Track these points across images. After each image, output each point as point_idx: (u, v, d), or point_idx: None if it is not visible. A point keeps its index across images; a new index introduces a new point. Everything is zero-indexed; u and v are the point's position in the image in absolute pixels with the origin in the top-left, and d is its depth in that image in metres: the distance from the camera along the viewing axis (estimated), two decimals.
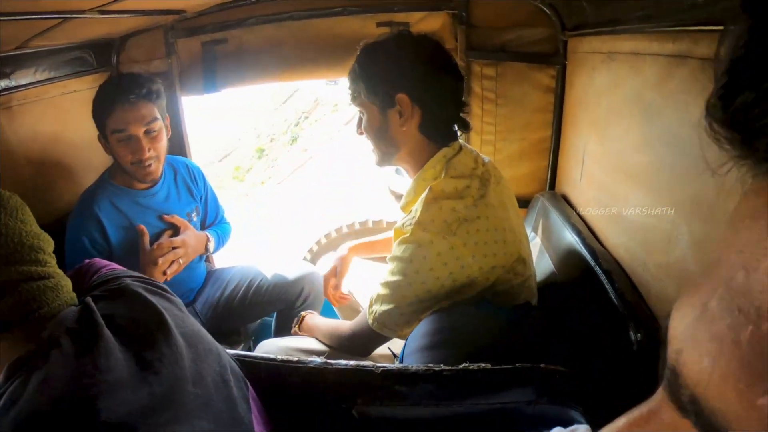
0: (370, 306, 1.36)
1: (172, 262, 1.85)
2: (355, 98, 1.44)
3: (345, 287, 2.07)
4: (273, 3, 2.10)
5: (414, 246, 1.26)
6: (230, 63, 2.25)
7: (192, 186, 2.11)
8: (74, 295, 0.95)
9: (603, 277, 1.30)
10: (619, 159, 1.44)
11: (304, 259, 2.88)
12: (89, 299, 0.93)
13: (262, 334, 2.38)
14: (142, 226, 1.83)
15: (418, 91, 1.34)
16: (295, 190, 10.36)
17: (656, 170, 1.19)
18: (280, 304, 2.19)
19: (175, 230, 1.93)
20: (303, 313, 1.78)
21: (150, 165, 1.81)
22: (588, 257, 1.40)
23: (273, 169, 14.11)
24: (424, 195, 1.30)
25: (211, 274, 2.30)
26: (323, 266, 2.34)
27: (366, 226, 2.93)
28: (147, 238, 1.83)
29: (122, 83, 1.77)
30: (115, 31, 2.04)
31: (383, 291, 1.33)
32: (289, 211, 8.28)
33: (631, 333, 1.12)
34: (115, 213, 1.85)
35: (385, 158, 1.47)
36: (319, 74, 2.31)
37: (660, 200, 1.16)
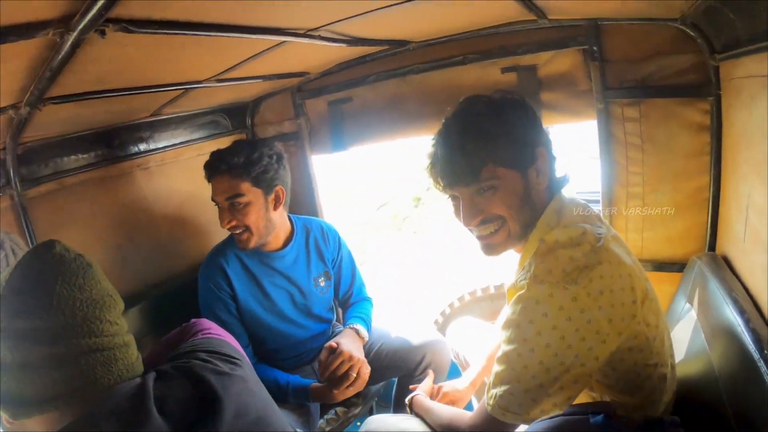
0: (488, 390, 1.16)
1: (349, 375, 1.79)
2: (479, 170, 1.17)
3: (471, 358, 1.92)
4: (392, 58, 2.07)
5: (532, 303, 1.08)
6: (356, 121, 2.25)
7: (324, 249, 2.07)
8: (138, 365, 0.91)
9: None
10: None
11: (435, 322, 2.73)
12: (149, 377, 0.89)
13: (385, 397, 2.26)
14: (326, 345, 1.82)
15: (545, 139, 1.23)
16: (448, 241, 10.27)
17: None
18: (400, 371, 2.06)
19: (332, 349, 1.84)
20: (414, 392, 1.61)
21: (240, 234, 1.82)
22: (750, 345, 1.07)
23: (428, 219, 14.24)
24: (536, 247, 1.13)
25: (335, 334, 2.21)
26: (453, 332, 2.21)
27: (501, 290, 2.71)
28: (325, 354, 1.81)
29: (217, 156, 1.80)
30: (243, 96, 2.16)
31: (500, 367, 1.13)
32: (435, 263, 8.18)
33: None
34: (241, 269, 1.90)
35: (519, 234, 1.23)
36: None
37: None
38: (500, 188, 1.19)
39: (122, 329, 0.90)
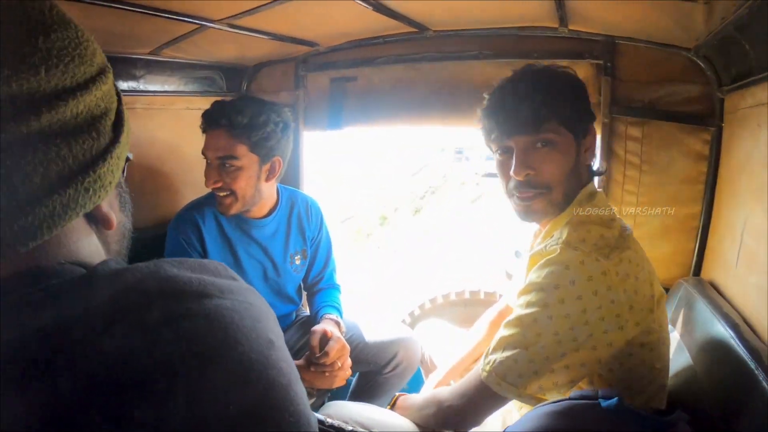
0: (487, 356, 1.10)
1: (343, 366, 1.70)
2: (543, 122, 1.13)
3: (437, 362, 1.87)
4: (407, 43, 2.03)
5: (561, 268, 1.04)
6: (357, 101, 2.19)
7: (306, 225, 1.96)
8: None
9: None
10: None
11: (403, 322, 2.66)
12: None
13: (338, 393, 2.16)
14: (318, 330, 1.71)
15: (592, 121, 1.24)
16: (412, 259, 10.31)
17: None
18: (368, 366, 1.97)
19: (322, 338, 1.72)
20: (398, 394, 1.52)
21: (224, 196, 1.69)
22: (746, 356, 1.06)
23: (392, 237, 14.30)
24: (569, 218, 1.14)
25: (299, 318, 2.13)
26: (422, 332, 2.16)
27: (477, 296, 2.67)
28: (317, 339, 1.69)
29: (219, 108, 1.67)
30: (246, 55, 2.09)
31: (509, 331, 1.08)
32: (400, 278, 8.17)
33: None
34: (217, 230, 1.79)
35: (560, 206, 1.18)
36: (448, 121, 2.12)
37: None
38: (557, 147, 1.15)
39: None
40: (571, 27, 1.74)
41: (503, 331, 1.09)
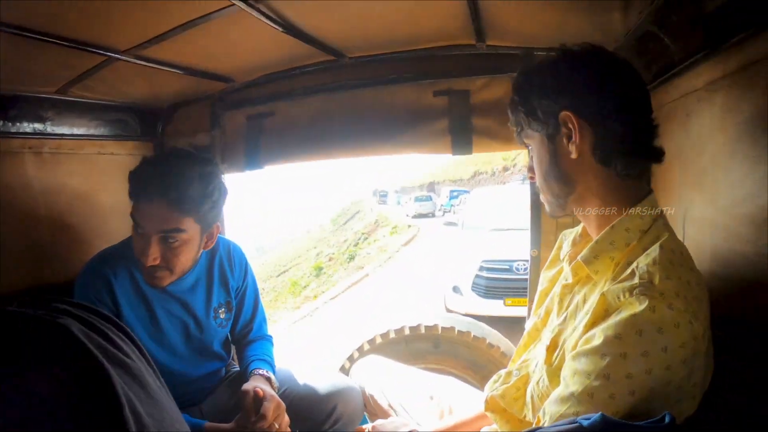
0: None
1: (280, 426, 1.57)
2: (519, 134, 1.14)
3: (384, 401, 1.77)
4: (323, 73, 1.99)
5: (653, 328, 0.84)
6: (276, 138, 2.11)
7: (228, 275, 1.80)
8: None
9: None
10: (737, 219, 1.10)
11: (342, 368, 2.54)
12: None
13: None
14: (250, 390, 1.56)
15: (591, 106, 1.01)
16: (349, 306, 10.17)
17: None
18: (305, 423, 1.76)
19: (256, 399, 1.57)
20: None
21: (156, 272, 1.53)
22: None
23: (327, 285, 14.11)
24: (654, 253, 0.92)
25: (229, 375, 1.95)
26: (360, 373, 2.05)
27: (418, 331, 2.60)
28: (250, 400, 1.55)
29: (160, 176, 1.47)
30: (161, 94, 2.00)
31: (573, 387, 0.90)
32: (338, 325, 8.02)
33: None
34: (131, 287, 1.61)
35: (558, 204, 1.11)
36: (371, 150, 2.07)
37: None
38: (534, 153, 1.13)
39: None
40: (488, 43, 1.74)
41: (558, 407, 0.92)
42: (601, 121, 1.00)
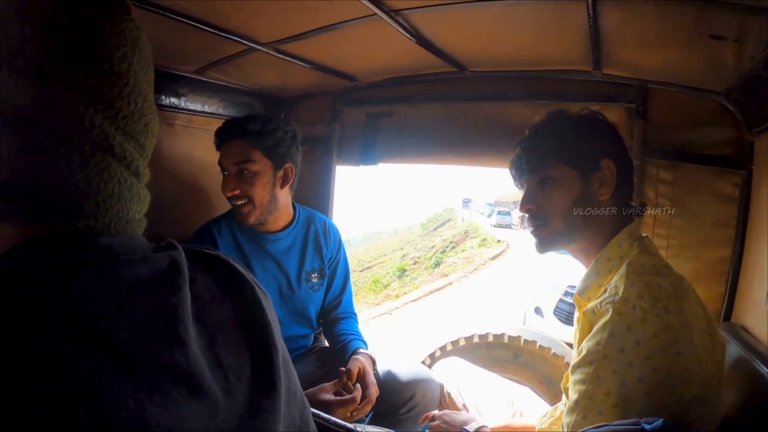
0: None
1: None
2: (543, 162, 1.26)
3: (460, 400, 1.85)
4: (444, 82, 2.08)
5: (622, 328, 1.00)
6: (392, 137, 2.23)
7: (323, 244, 1.97)
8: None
9: None
10: None
11: (422, 362, 2.61)
12: (175, 252, 0.60)
13: None
14: (359, 368, 1.69)
15: (619, 158, 1.24)
16: (428, 310, 10.18)
17: None
18: (380, 405, 1.77)
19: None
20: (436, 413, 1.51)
21: (242, 205, 1.75)
22: None
23: (409, 287, 14.18)
24: (622, 270, 1.09)
25: (314, 348, 2.09)
26: (443, 370, 2.10)
27: (501, 339, 2.63)
28: (355, 376, 1.68)
29: (231, 121, 1.77)
30: (288, 85, 2.17)
31: (578, 416, 1.03)
32: (419, 326, 8.07)
33: None
34: (232, 242, 1.83)
35: (565, 236, 1.26)
36: (481, 161, 2.16)
37: None
38: (557, 182, 1.24)
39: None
40: (605, 71, 1.77)
41: (569, 417, 1.05)
42: (624, 170, 1.23)
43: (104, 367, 0.44)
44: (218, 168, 1.94)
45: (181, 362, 0.50)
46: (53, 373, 0.42)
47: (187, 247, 0.65)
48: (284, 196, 1.84)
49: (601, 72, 1.78)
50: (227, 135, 1.75)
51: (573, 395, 1.04)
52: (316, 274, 1.95)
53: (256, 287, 0.72)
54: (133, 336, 0.48)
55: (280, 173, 1.79)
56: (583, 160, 1.22)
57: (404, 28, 1.46)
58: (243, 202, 1.74)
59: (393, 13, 1.35)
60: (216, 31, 1.45)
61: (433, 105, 2.13)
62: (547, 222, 1.25)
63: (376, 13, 1.32)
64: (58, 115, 0.49)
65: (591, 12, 1.20)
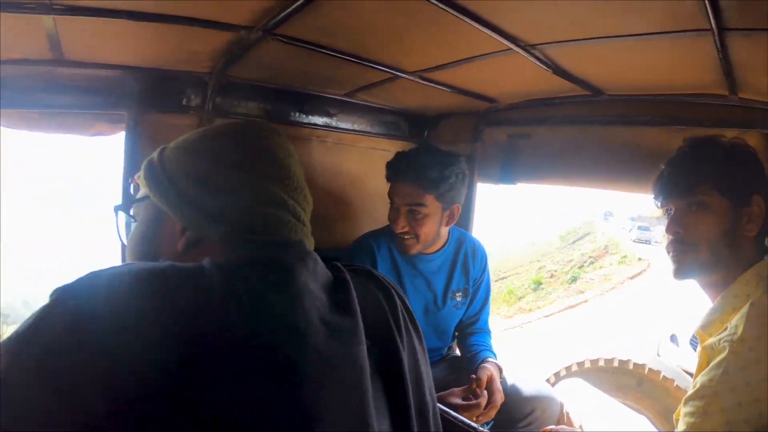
0: None
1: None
2: (693, 187, 1.24)
3: (578, 422, 1.87)
4: (580, 105, 2.07)
5: (737, 367, 1.02)
6: (529, 158, 2.26)
7: (470, 266, 2.06)
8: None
9: None
10: None
11: (547, 380, 2.62)
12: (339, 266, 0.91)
13: None
14: (488, 376, 1.78)
15: (767, 195, 1.22)
16: (561, 327, 9.84)
17: None
18: (499, 416, 1.85)
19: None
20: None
21: (406, 239, 1.86)
22: None
23: (543, 301, 13.75)
24: (744, 310, 1.08)
25: (448, 356, 2.20)
26: (565, 390, 2.13)
27: (626, 366, 2.58)
28: (484, 383, 1.77)
29: (407, 162, 1.84)
30: (431, 105, 2.30)
31: (682, 427, 1.07)
32: (548, 339, 7.85)
33: None
34: (389, 258, 1.96)
35: (706, 267, 1.24)
36: (614, 185, 2.13)
37: None
38: (709, 210, 1.23)
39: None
40: (741, 95, 1.66)
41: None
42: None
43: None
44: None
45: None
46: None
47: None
48: (446, 229, 1.97)
49: (737, 96, 1.67)
50: (402, 177, 1.84)
51: (681, 426, 1.08)
52: (460, 293, 2.05)
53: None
54: None
55: (448, 213, 1.90)
56: (736, 191, 1.21)
57: (540, 61, 1.51)
58: (409, 237, 1.87)
59: (529, 47, 1.41)
60: (366, 63, 1.60)
61: (568, 128, 2.13)
62: (693, 249, 1.24)
63: (511, 48, 1.39)
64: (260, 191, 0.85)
65: (718, 44, 1.18)
